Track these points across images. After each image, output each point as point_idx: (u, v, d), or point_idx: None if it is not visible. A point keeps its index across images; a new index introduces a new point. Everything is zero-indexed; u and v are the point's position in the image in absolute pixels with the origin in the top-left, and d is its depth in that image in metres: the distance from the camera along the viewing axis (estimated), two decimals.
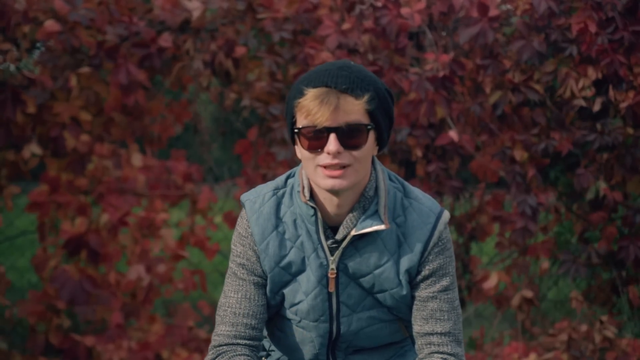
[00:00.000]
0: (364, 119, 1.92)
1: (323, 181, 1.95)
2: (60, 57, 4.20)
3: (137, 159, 4.29)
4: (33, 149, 4.18)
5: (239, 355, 2.06)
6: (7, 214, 4.65)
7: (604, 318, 4.31)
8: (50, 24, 4.07)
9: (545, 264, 4.57)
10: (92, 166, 4.24)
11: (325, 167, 1.93)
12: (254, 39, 4.32)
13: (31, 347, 4.22)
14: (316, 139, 1.92)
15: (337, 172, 1.93)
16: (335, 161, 1.92)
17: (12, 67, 4.29)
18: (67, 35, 4.09)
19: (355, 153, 1.93)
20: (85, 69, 4.16)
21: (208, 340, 4.33)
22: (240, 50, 4.26)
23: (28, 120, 4.21)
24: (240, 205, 4.26)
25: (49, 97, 4.19)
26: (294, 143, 2.00)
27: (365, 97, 1.91)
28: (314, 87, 1.91)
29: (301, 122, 1.93)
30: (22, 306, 4.22)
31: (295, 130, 1.94)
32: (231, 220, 4.43)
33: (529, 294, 4.31)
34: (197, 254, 5.04)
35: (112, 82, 4.19)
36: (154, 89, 4.49)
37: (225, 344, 2.09)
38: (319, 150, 1.92)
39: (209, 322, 4.63)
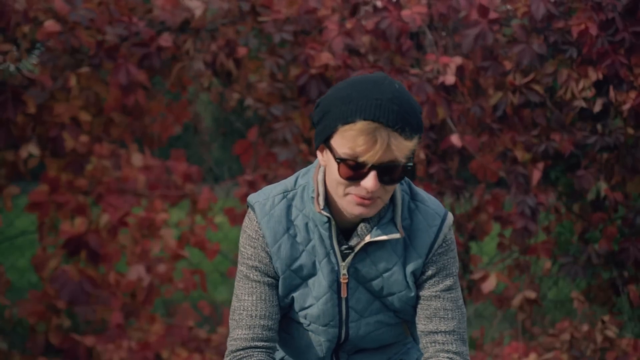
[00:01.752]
0: (407, 157, 1.89)
1: (351, 207, 1.93)
2: (60, 57, 4.20)
3: (137, 159, 4.29)
4: (31, 149, 4.17)
5: None
6: (7, 213, 4.65)
7: (606, 318, 4.31)
8: (50, 24, 4.06)
9: (547, 263, 4.57)
10: (91, 166, 4.24)
11: (357, 195, 1.91)
12: (254, 39, 4.31)
13: (31, 347, 4.22)
14: (355, 170, 1.88)
15: (367, 202, 1.91)
16: (369, 195, 1.90)
17: (12, 67, 4.29)
18: (67, 35, 4.09)
19: (388, 187, 1.92)
20: (84, 69, 4.16)
21: (208, 340, 4.33)
22: (241, 51, 4.26)
23: (28, 121, 4.20)
24: (242, 203, 4.27)
25: (48, 97, 4.18)
26: (317, 148, 1.97)
27: (415, 140, 1.87)
28: (364, 119, 1.83)
29: (343, 150, 1.87)
30: (22, 306, 4.21)
31: (337, 159, 1.88)
32: (232, 216, 4.41)
33: (531, 294, 4.31)
34: (197, 254, 5.04)
35: (111, 82, 4.19)
36: (154, 89, 4.49)
37: (243, 349, 2.07)
38: (357, 180, 1.89)
39: (209, 322, 4.63)
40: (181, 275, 4.44)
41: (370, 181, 1.87)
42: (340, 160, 1.88)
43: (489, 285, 4.28)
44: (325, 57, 4.14)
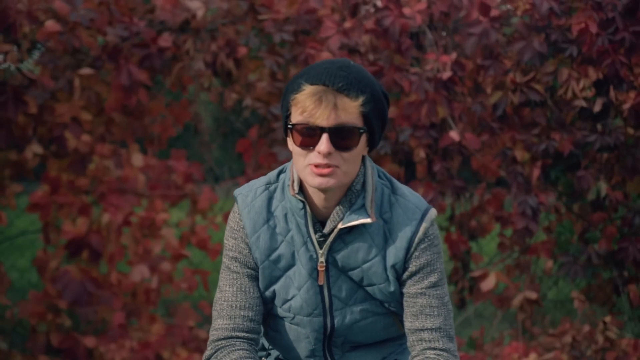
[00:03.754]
0: (357, 121, 1.95)
1: (311, 179, 1.97)
2: (60, 58, 4.20)
3: (137, 159, 4.30)
4: (34, 148, 4.18)
5: (238, 350, 2.08)
6: (7, 213, 4.65)
7: (607, 319, 4.31)
8: (51, 25, 4.07)
9: (549, 263, 4.58)
10: (93, 166, 4.24)
11: (315, 165, 1.96)
12: (255, 38, 4.32)
13: (32, 347, 4.22)
14: (309, 137, 1.95)
15: (325, 171, 1.95)
16: (325, 161, 1.95)
17: (13, 68, 4.29)
18: (68, 35, 4.09)
19: (345, 155, 1.96)
20: (87, 71, 4.16)
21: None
22: (241, 51, 4.27)
23: (29, 121, 4.21)
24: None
25: (49, 97, 4.19)
26: (286, 135, 2.03)
27: (361, 100, 1.94)
28: (312, 84, 1.93)
29: (296, 117, 1.96)
30: (22, 307, 4.21)
31: (289, 126, 1.97)
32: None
33: (532, 295, 4.30)
34: (197, 254, 5.04)
35: (113, 83, 4.20)
36: (155, 89, 4.49)
37: (224, 338, 2.10)
38: (311, 147, 1.95)
39: (210, 322, 4.62)
40: (182, 275, 4.45)
41: (322, 144, 1.93)
42: (292, 127, 1.96)
43: (489, 284, 4.28)
44: (325, 57, 4.14)
